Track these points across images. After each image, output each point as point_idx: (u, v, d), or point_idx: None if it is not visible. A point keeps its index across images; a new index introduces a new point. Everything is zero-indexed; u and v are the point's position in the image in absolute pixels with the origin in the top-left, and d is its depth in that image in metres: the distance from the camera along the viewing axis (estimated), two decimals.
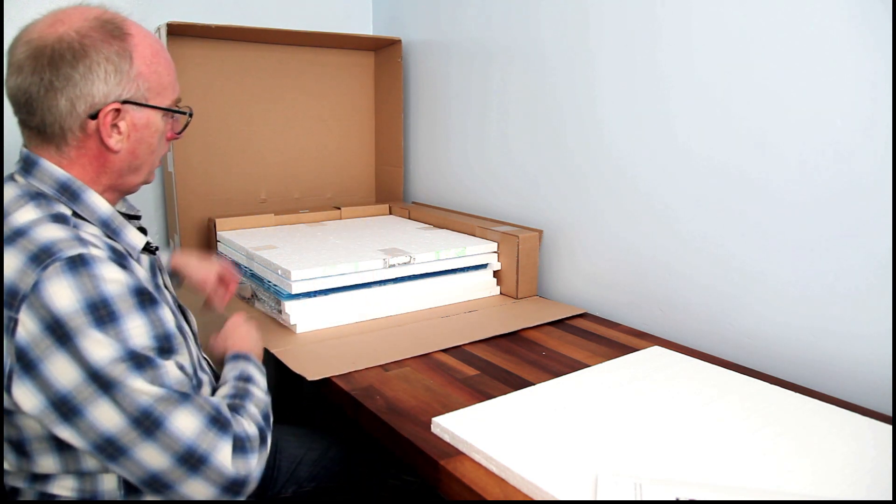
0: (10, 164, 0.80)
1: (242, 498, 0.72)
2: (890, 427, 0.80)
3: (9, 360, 0.64)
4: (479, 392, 0.93)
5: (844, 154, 0.93)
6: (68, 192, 0.76)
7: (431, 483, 0.76)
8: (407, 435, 0.81)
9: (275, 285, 1.23)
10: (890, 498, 0.66)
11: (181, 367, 0.71)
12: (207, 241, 1.61)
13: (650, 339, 1.15)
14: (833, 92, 0.94)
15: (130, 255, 0.78)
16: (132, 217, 0.86)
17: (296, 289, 1.16)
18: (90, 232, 0.73)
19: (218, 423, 0.70)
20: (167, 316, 0.72)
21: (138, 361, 0.66)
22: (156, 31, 1.49)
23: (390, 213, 1.84)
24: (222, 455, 0.69)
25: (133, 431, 0.66)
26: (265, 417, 0.80)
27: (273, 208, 1.76)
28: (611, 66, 1.26)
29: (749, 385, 0.92)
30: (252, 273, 1.32)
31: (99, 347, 0.64)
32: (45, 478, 0.72)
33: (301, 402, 1.70)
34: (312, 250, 1.32)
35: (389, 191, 1.93)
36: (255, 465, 0.72)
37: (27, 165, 0.76)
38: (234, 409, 0.76)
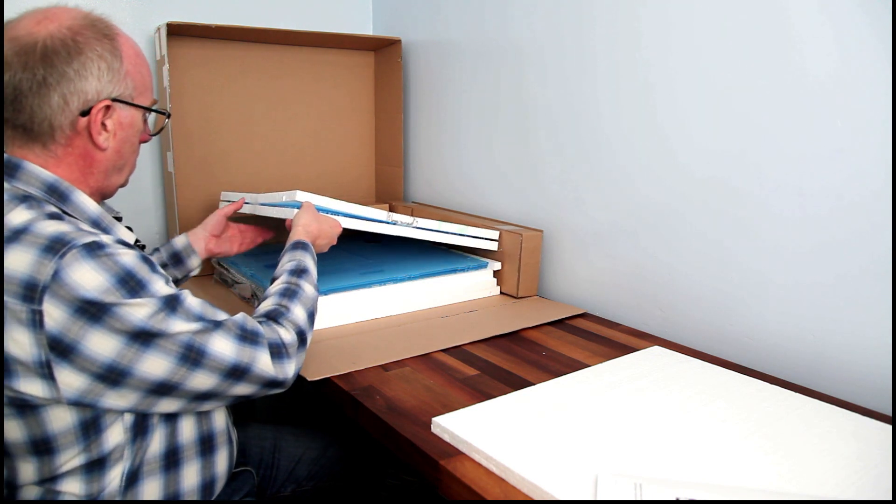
0: None
1: (280, 391, 0.81)
2: (890, 427, 0.80)
3: (41, 351, 0.66)
4: (479, 392, 0.93)
5: (845, 155, 0.93)
6: (56, 194, 0.76)
7: (431, 483, 0.76)
8: (407, 435, 0.81)
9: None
10: (890, 498, 0.66)
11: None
12: None
13: (650, 339, 1.15)
14: (833, 92, 0.94)
15: None
16: (118, 218, 0.87)
17: None
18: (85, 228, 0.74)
19: (246, 338, 0.76)
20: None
21: (171, 305, 0.72)
22: (156, 32, 1.49)
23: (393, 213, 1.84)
24: (262, 363, 0.77)
25: (182, 367, 0.72)
26: (310, 316, 0.88)
27: None
28: (610, 66, 1.26)
29: (749, 385, 0.92)
30: (252, 273, 1.32)
31: (138, 309, 0.69)
32: (51, 479, 0.73)
33: (301, 401, 1.70)
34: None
35: (389, 191, 1.93)
36: (292, 368, 0.81)
37: (9, 170, 0.75)
38: (277, 315, 0.84)
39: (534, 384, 0.93)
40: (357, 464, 1.14)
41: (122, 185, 0.87)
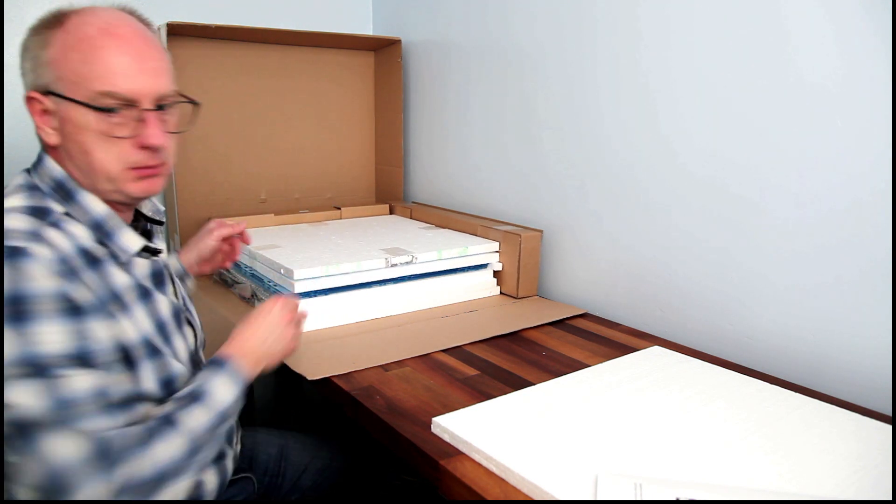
0: (11, 165, 0.79)
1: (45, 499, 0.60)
2: (890, 427, 0.80)
3: None
4: (479, 392, 0.93)
5: (845, 156, 0.93)
6: (62, 191, 0.73)
7: (432, 483, 0.77)
8: (407, 435, 0.81)
9: (276, 285, 1.23)
10: (890, 498, 0.66)
11: (104, 386, 0.64)
12: None
13: (650, 339, 1.15)
14: (832, 93, 0.94)
15: (117, 258, 0.74)
16: (156, 222, 0.85)
17: (298, 288, 1.16)
18: (71, 231, 0.69)
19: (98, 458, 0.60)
20: (99, 332, 0.65)
21: (33, 370, 0.59)
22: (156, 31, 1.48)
23: (392, 214, 1.84)
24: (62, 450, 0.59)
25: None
26: (191, 452, 0.68)
27: (273, 208, 1.76)
28: (610, 66, 1.26)
29: (749, 385, 0.92)
30: (252, 273, 1.32)
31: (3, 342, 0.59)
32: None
33: (304, 406, 1.70)
34: (315, 250, 1.32)
35: (389, 191, 1.93)
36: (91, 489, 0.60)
37: (36, 161, 0.76)
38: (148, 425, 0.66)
39: (534, 384, 0.93)
40: (360, 468, 1.13)
41: (130, 195, 0.75)
